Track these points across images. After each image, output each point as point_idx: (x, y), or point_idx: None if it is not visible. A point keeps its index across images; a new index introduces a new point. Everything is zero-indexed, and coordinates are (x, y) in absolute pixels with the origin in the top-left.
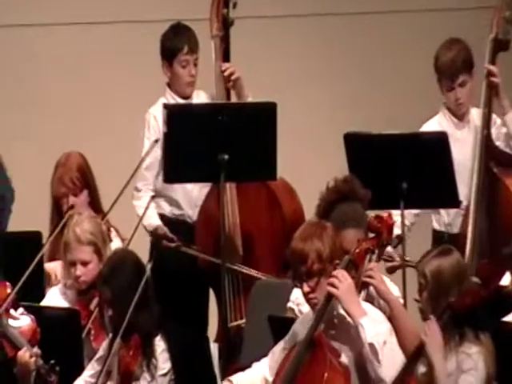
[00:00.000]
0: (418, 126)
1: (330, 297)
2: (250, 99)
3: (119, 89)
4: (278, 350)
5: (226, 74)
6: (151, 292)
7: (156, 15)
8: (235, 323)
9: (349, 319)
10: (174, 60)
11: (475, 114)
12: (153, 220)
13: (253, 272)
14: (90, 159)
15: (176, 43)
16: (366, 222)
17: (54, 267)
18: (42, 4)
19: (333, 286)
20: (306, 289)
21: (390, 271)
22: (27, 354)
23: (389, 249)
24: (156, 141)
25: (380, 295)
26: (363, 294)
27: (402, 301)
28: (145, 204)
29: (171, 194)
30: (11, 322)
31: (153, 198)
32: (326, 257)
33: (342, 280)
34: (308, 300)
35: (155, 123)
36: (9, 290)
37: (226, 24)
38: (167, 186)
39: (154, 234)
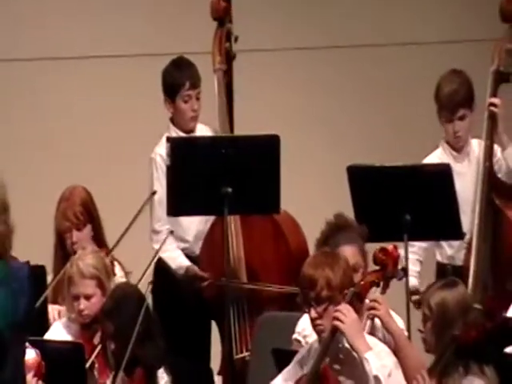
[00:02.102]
0: (422, 158)
1: (334, 330)
2: None
3: (122, 121)
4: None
5: None
6: (154, 324)
7: (159, 49)
8: (240, 355)
9: (354, 354)
10: (176, 96)
11: (475, 145)
12: (180, 260)
13: (261, 285)
14: (94, 193)
15: (178, 79)
16: (361, 242)
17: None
18: (41, 38)
19: (338, 319)
20: (314, 314)
21: (418, 307)
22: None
23: (415, 283)
24: (153, 193)
25: (385, 327)
26: (368, 325)
27: (406, 333)
28: (169, 247)
29: (176, 227)
30: None
31: (171, 232)
32: (336, 285)
33: (347, 314)
34: (314, 326)
35: (162, 163)
36: None
37: (228, 57)
38: (172, 220)
39: (187, 276)
